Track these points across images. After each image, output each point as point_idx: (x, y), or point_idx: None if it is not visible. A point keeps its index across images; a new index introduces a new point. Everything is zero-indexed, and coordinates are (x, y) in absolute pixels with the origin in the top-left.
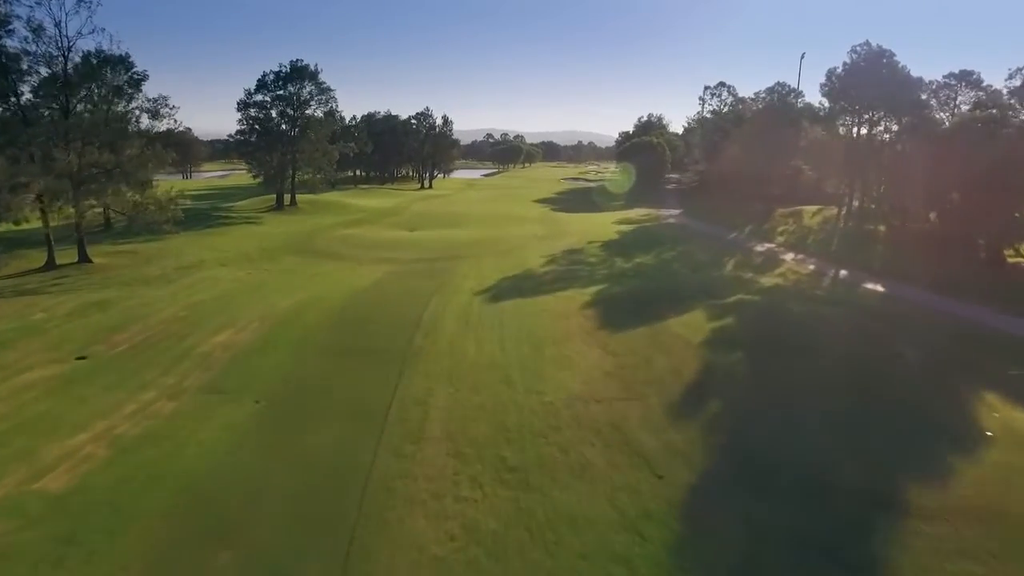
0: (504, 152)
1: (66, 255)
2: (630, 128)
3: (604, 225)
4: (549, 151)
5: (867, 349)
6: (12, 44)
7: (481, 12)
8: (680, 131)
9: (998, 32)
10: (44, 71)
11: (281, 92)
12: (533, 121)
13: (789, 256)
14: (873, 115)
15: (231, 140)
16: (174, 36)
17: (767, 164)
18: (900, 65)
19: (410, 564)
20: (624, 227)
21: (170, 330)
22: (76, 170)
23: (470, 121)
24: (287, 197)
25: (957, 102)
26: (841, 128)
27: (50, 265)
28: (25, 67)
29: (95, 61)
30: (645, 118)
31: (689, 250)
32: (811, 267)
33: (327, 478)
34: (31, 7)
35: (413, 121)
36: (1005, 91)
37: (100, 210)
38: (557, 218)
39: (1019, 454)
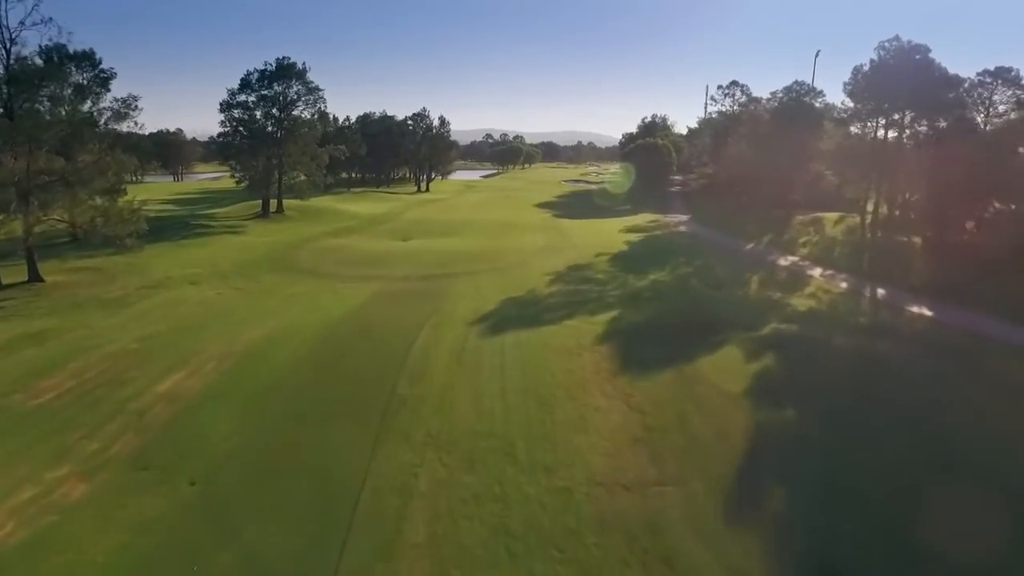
0: (504, 153)
1: (16, 272)
2: (633, 129)
3: (611, 234)
4: (549, 151)
5: (948, 400)
6: None
7: (481, 12)
8: (684, 132)
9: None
10: None
11: (266, 92)
12: (533, 121)
13: (817, 272)
14: (904, 115)
15: (214, 142)
16: (174, 36)
17: (787, 168)
18: (936, 62)
19: None
20: (632, 236)
21: (111, 372)
22: (20, 179)
23: (469, 121)
24: (273, 203)
25: (993, 101)
26: (867, 129)
27: None
28: None
29: (56, 57)
30: (649, 119)
31: (706, 264)
32: (844, 285)
33: None
34: None
35: (409, 122)
36: None
37: (65, 223)
38: (560, 226)
39: None
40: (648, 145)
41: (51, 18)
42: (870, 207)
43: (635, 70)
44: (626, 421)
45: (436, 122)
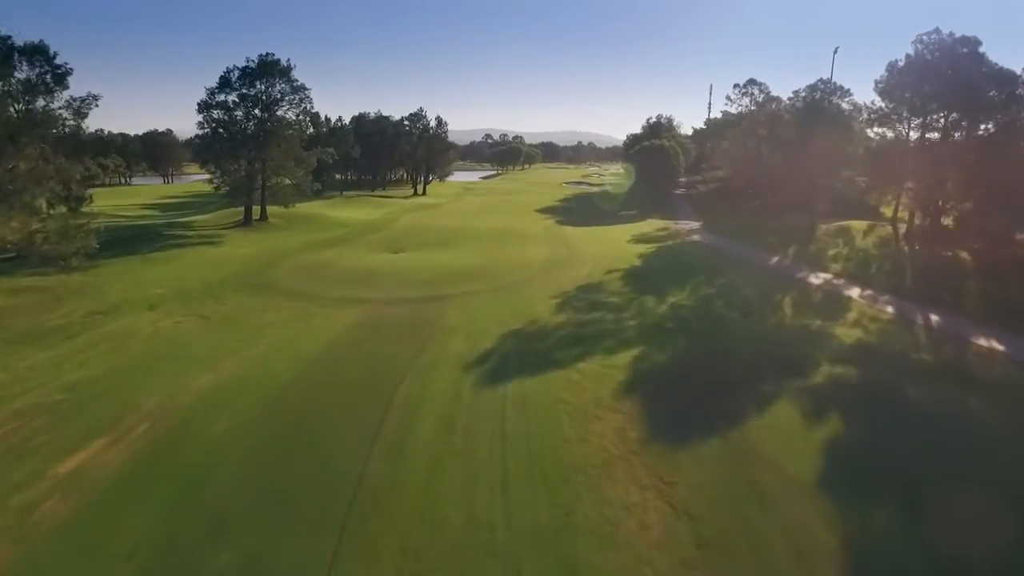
0: (503, 153)
1: None
2: (636, 129)
3: (619, 244)
4: (549, 152)
5: None
6: None
7: (481, 12)
8: (690, 132)
9: None
10: None
11: (248, 91)
12: (532, 121)
13: (855, 292)
14: (947, 116)
15: (192, 143)
16: (171, 36)
17: (812, 172)
18: (985, 56)
19: None
20: (643, 247)
21: (14, 438)
22: None
23: (469, 121)
24: (257, 210)
25: None
26: (900, 131)
27: None
28: None
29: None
30: (654, 119)
31: (730, 283)
32: (890, 310)
33: None
34: None
35: (406, 122)
36: None
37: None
38: (564, 235)
39: None
40: (654, 147)
41: None
42: (903, 215)
43: (635, 70)
44: (672, 530)
45: (433, 122)
